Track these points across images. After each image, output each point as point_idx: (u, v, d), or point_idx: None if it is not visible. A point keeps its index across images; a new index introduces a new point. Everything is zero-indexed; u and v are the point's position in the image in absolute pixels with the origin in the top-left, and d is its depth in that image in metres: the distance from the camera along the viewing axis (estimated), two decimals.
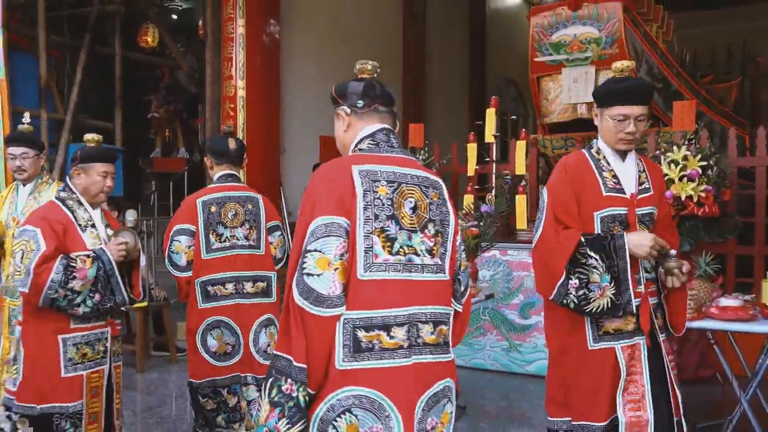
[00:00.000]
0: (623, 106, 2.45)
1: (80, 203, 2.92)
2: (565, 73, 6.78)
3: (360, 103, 1.90)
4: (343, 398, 1.69)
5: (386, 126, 1.92)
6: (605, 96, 2.53)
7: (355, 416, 1.69)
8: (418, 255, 1.80)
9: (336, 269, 1.69)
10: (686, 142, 4.61)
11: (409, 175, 1.85)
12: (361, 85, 1.91)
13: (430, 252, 1.83)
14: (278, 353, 1.73)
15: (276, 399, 1.68)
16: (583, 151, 2.65)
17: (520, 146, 5.74)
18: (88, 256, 2.79)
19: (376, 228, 1.75)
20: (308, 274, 1.69)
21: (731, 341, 3.89)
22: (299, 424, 1.67)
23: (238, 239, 3.38)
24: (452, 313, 1.91)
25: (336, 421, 1.69)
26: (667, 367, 2.54)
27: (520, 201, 5.62)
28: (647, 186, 2.59)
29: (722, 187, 4.62)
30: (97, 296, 2.80)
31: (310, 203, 1.76)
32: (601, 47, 6.55)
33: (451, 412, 1.89)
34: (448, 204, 1.92)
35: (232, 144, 3.48)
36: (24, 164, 3.77)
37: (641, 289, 2.49)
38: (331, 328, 1.69)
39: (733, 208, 5.01)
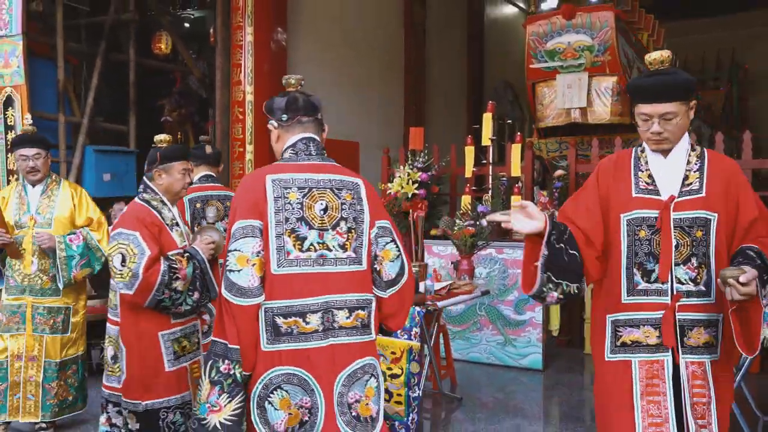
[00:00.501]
0: (644, 104, 2.21)
1: (163, 203, 2.94)
2: (559, 79, 6.96)
3: (284, 117, 2.11)
4: (274, 377, 1.94)
5: (307, 135, 2.12)
6: (630, 93, 2.32)
7: (286, 391, 1.94)
8: (331, 250, 2.02)
9: (253, 265, 1.94)
10: None
11: (322, 180, 2.06)
12: (284, 100, 2.12)
13: (343, 246, 2.04)
14: (215, 339, 1.97)
15: (215, 378, 1.92)
16: (633, 148, 2.41)
17: (516, 149, 5.94)
18: (182, 255, 2.78)
19: (287, 229, 1.97)
20: (230, 271, 1.94)
21: None
22: (238, 397, 1.93)
23: None
24: (372, 299, 2.10)
25: (270, 396, 1.94)
26: (684, 392, 2.18)
27: (516, 201, 5.89)
28: (697, 187, 2.23)
29: None
30: (196, 294, 2.81)
31: (233, 211, 2.01)
32: (594, 54, 6.73)
33: (377, 387, 2.09)
34: (364, 202, 2.11)
35: (208, 149, 4.01)
36: (37, 164, 3.80)
37: (666, 300, 2.21)
38: (253, 316, 1.94)
39: None
